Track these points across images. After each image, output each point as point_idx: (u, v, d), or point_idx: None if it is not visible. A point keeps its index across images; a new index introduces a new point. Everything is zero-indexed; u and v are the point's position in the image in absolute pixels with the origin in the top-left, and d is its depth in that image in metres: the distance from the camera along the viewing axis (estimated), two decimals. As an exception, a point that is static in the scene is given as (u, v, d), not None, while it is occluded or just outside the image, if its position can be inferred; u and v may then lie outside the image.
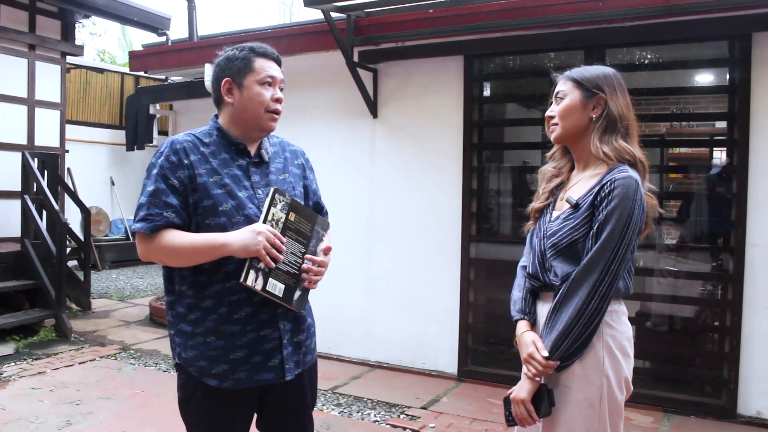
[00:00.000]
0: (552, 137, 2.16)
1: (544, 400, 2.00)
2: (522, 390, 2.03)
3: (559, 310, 1.97)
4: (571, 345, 1.94)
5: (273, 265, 1.96)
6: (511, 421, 2.09)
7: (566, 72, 2.15)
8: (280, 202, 2.00)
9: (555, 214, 2.12)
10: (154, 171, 2.01)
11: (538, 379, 2.01)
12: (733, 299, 4.35)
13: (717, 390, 4.53)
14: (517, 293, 2.21)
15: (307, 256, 2.08)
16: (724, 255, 4.54)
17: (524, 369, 2.06)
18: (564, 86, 2.12)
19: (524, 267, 2.23)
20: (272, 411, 2.19)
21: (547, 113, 2.16)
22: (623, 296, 2.06)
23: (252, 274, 1.93)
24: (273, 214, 1.98)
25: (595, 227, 1.94)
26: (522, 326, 2.13)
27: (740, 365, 4.30)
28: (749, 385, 4.29)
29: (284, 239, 1.99)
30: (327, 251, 2.16)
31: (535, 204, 2.24)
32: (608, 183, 1.93)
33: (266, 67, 2.10)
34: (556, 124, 2.12)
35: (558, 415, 2.01)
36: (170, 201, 1.98)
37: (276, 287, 1.99)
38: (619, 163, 2.00)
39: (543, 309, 2.10)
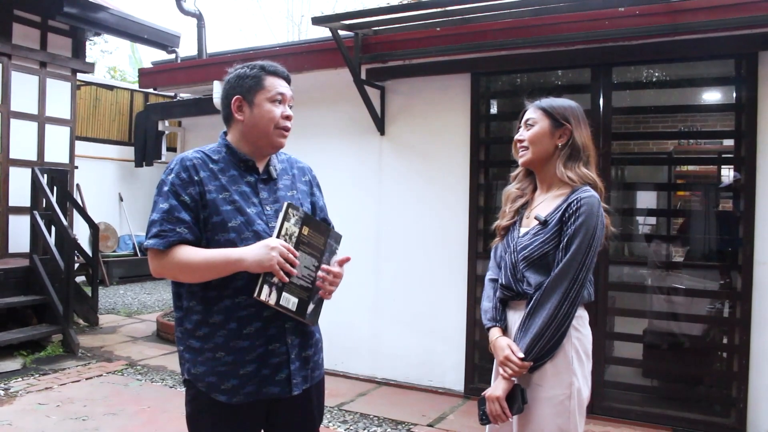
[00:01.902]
0: (521, 161, 2.37)
1: (517, 399, 2.16)
2: (498, 388, 2.21)
3: (533, 315, 2.16)
4: (544, 346, 2.13)
5: (287, 279, 1.97)
6: (484, 419, 2.25)
7: (536, 101, 2.35)
8: (294, 216, 2.02)
9: (523, 230, 2.32)
10: (165, 188, 2.03)
11: (513, 379, 2.19)
12: (741, 317, 4.32)
13: (726, 409, 4.49)
14: (488, 303, 2.42)
15: (324, 266, 2.09)
16: (733, 273, 4.52)
17: (500, 371, 2.23)
18: (534, 114, 2.32)
19: (492, 280, 2.43)
20: (279, 426, 2.18)
21: (517, 137, 2.36)
22: (586, 303, 2.27)
23: (266, 288, 1.94)
24: (286, 228, 2.00)
25: (564, 240, 2.15)
26: (495, 332, 2.34)
27: (749, 384, 4.27)
28: (759, 404, 4.25)
29: (298, 253, 2.00)
30: (344, 261, 2.18)
31: (502, 222, 2.44)
32: (575, 201, 2.15)
33: (276, 84, 2.13)
34: (526, 149, 2.32)
35: (531, 412, 2.19)
36: (182, 217, 1.99)
37: (289, 301, 2.00)
38: (582, 185, 2.22)
39: (514, 316, 2.30)
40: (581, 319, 2.23)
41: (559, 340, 2.13)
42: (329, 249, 2.13)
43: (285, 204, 2.01)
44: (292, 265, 1.97)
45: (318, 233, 2.09)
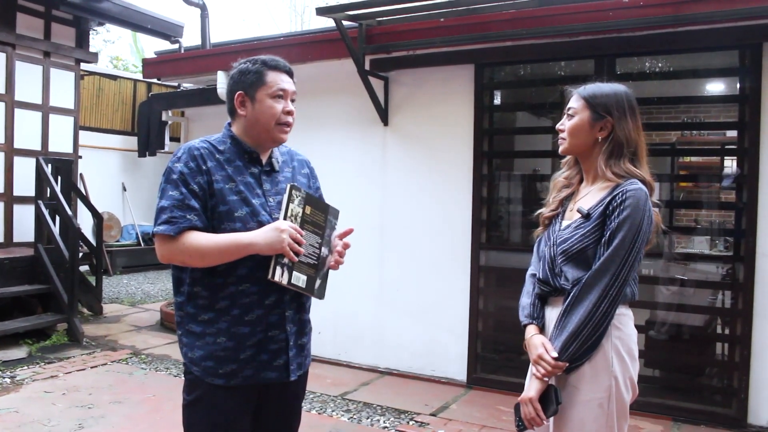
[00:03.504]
0: (560, 150, 2.25)
1: (552, 401, 2.04)
2: (531, 389, 2.09)
3: (569, 312, 2.04)
4: (581, 346, 2.01)
5: (296, 259, 2.03)
6: (521, 426, 2.13)
7: (580, 88, 2.22)
8: (297, 197, 2.08)
9: (565, 223, 2.19)
10: (174, 176, 2.05)
11: (546, 379, 2.07)
12: (743, 308, 4.34)
13: (727, 399, 4.52)
14: (526, 299, 2.28)
15: (336, 249, 2.21)
16: (735, 264, 4.54)
17: (533, 370, 2.12)
18: (575, 104, 2.19)
19: (533, 275, 2.30)
20: (268, 410, 2.22)
21: (558, 126, 2.24)
22: (629, 302, 2.13)
23: (278, 270, 2.00)
24: (291, 209, 2.06)
25: (606, 235, 2.02)
26: (531, 330, 2.20)
27: (751, 375, 4.29)
28: (760, 394, 4.27)
29: (303, 233, 2.06)
30: (346, 234, 2.27)
31: (545, 211, 2.32)
32: (620, 194, 2.02)
33: (278, 80, 2.15)
34: (564, 139, 2.21)
35: (568, 415, 2.07)
36: (192, 204, 2.02)
37: (299, 279, 2.07)
38: (628, 177, 2.07)
39: (552, 313, 2.17)
40: (623, 317, 2.10)
41: (598, 340, 2.01)
42: (329, 225, 2.20)
43: (288, 186, 2.07)
44: (299, 244, 2.03)
45: (318, 211, 2.16)
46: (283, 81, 2.16)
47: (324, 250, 2.16)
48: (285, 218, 2.03)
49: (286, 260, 2.01)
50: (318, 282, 2.14)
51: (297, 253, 2.02)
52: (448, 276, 5.30)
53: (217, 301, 2.07)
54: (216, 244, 2.00)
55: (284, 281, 2.02)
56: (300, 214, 2.08)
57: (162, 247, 2.05)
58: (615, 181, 2.08)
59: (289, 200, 2.05)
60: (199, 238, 2.00)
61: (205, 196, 2.05)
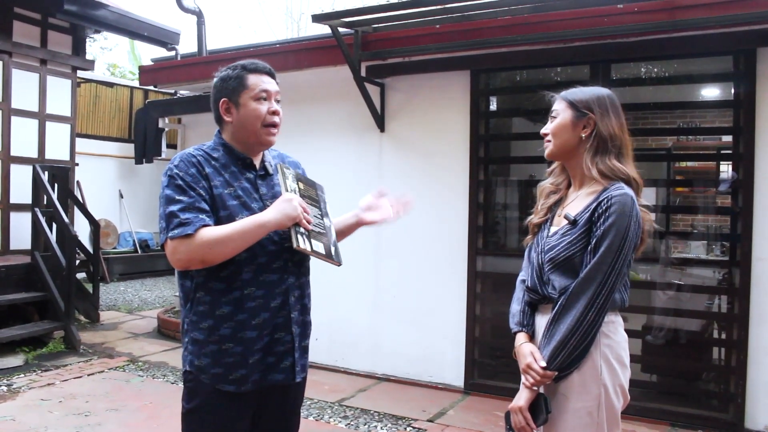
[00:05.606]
0: (545, 153, 2.25)
1: (541, 410, 2.04)
2: (520, 398, 2.08)
3: (557, 321, 2.03)
4: (569, 355, 2.00)
5: (310, 226, 2.06)
6: None
7: (562, 92, 2.24)
8: (289, 175, 2.12)
9: (553, 229, 2.19)
10: (178, 182, 2.03)
11: (536, 388, 2.07)
12: (739, 313, 4.35)
13: (724, 404, 4.52)
14: (516, 306, 2.28)
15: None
16: (732, 268, 4.54)
17: (522, 379, 2.11)
18: (558, 106, 2.21)
19: (523, 281, 2.30)
20: (267, 415, 2.22)
21: (542, 130, 2.26)
22: (619, 308, 2.13)
23: (299, 237, 2.02)
24: (288, 185, 2.08)
25: (593, 242, 2.00)
26: (520, 338, 2.20)
27: (747, 379, 4.29)
28: (756, 399, 4.28)
29: (305, 204, 2.09)
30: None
31: (534, 219, 2.33)
32: (605, 200, 2.00)
33: (259, 81, 2.15)
34: (549, 141, 2.21)
35: (557, 424, 2.06)
36: (202, 206, 2.01)
37: (319, 247, 2.09)
38: (614, 180, 2.06)
39: (541, 321, 2.16)
40: (613, 324, 2.09)
41: (586, 348, 2.00)
42: (321, 199, 2.27)
43: (278, 165, 2.11)
44: (307, 214, 2.06)
45: (310, 187, 2.23)
46: (264, 82, 2.16)
47: (326, 221, 2.21)
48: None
49: (301, 229, 2.03)
50: (333, 249, 2.16)
51: (308, 222, 2.05)
52: (445, 282, 5.31)
53: (218, 307, 2.07)
54: (235, 227, 1.99)
55: (308, 248, 2.03)
56: (297, 190, 2.11)
57: (179, 251, 1.98)
58: (601, 181, 2.07)
59: (284, 177, 2.09)
60: (216, 229, 1.99)
61: (210, 201, 2.05)
